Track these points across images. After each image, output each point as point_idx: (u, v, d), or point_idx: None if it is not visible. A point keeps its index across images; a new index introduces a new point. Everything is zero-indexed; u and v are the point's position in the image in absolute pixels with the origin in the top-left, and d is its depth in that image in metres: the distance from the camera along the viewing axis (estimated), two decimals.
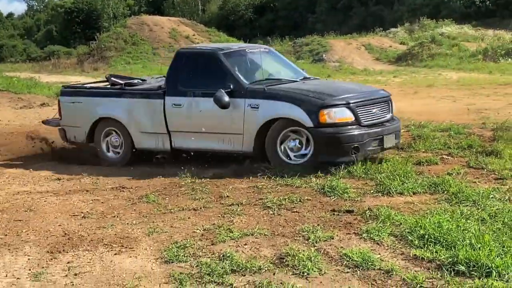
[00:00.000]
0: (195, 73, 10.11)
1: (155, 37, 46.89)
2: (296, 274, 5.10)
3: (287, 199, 7.49)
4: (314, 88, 9.69)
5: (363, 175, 8.57)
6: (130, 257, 5.54)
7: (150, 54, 44.50)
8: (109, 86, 11.81)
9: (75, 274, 5.14)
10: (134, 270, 5.18)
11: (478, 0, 53.44)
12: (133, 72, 34.93)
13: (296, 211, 7.06)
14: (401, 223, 6.29)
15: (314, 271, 5.12)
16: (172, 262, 5.36)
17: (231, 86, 9.42)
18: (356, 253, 5.44)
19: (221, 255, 5.49)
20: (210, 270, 5.11)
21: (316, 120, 8.92)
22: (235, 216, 6.87)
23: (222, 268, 5.16)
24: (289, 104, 9.14)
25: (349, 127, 9.00)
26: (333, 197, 7.62)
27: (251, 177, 8.75)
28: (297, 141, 9.21)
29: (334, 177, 8.37)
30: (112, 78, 11.95)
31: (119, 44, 45.13)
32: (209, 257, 5.47)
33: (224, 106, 9.24)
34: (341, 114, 9.03)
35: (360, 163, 8.89)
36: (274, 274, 5.08)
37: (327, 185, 7.98)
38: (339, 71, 35.61)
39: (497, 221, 6.22)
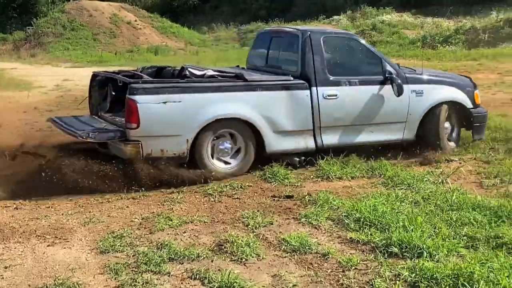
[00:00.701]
0: (342, 60, 9.15)
1: (95, 22, 45.96)
2: (234, 260, 5.11)
3: (228, 186, 7.49)
4: (445, 74, 10.70)
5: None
6: (64, 248, 5.42)
7: (90, 40, 43.62)
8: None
9: (5, 267, 4.98)
10: (68, 261, 5.08)
11: None
12: (72, 58, 34.37)
13: (237, 198, 7.08)
14: (338, 207, 6.37)
15: (252, 257, 5.14)
16: (108, 253, 5.27)
17: (389, 73, 8.92)
18: (294, 238, 5.49)
19: (159, 244, 5.44)
20: (147, 259, 5.06)
21: (473, 101, 9.61)
22: (175, 204, 6.81)
23: (159, 256, 5.12)
24: (453, 88, 9.50)
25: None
26: (274, 183, 7.66)
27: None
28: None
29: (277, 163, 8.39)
30: (190, 69, 8.70)
31: (57, 30, 44.09)
32: (147, 246, 5.42)
33: (401, 94, 8.82)
34: (479, 97, 9.85)
35: None
36: (212, 261, 5.08)
37: (269, 171, 8.01)
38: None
39: (430, 204, 6.39)
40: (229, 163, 8.27)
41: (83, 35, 43.73)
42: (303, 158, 8.53)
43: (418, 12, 49.63)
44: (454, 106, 9.42)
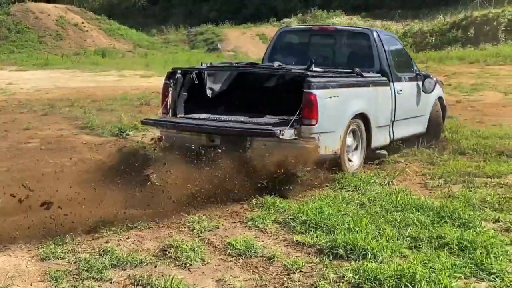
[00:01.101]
0: (396, 57, 9.45)
1: (41, 25, 45.24)
2: (178, 265, 5.03)
3: None
4: None
5: None
6: (4, 256, 5.27)
7: (36, 42, 42.93)
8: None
9: None
10: (7, 269, 4.92)
11: None
12: (17, 61, 33.72)
13: None
14: (285, 210, 6.35)
15: (197, 262, 5.07)
16: (48, 260, 5.11)
17: (417, 71, 9.96)
18: (240, 242, 5.43)
19: (102, 250, 5.32)
20: (88, 266, 4.93)
21: None
22: (120, 208, 6.69)
23: (101, 263, 4.99)
24: (438, 85, 10.46)
25: None
26: None
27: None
28: None
29: None
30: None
31: (2, 33, 43.27)
32: (89, 253, 5.29)
33: (432, 90, 9.85)
34: None
35: None
36: (155, 266, 4.98)
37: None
38: (234, 60, 35.75)
39: (375, 205, 6.43)
40: (351, 161, 8.16)
41: (29, 37, 43.01)
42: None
43: (367, 16, 50.37)
44: (440, 101, 10.52)
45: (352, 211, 6.13)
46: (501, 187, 7.28)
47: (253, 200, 6.80)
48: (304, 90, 7.29)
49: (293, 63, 9.12)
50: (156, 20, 62.74)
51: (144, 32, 50.17)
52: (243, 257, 5.18)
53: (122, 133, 11.38)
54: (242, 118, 7.96)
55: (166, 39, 47.58)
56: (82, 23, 46.90)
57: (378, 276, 4.48)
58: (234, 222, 6.19)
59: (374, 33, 9.13)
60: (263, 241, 5.58)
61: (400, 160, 8.87)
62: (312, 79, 7.36)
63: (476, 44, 31.66)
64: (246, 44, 42.16)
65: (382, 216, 5.98)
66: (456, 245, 5.14)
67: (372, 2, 54.75)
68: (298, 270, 4.83)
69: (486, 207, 6.33)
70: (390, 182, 7.50)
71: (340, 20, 46.26)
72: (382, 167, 8.46)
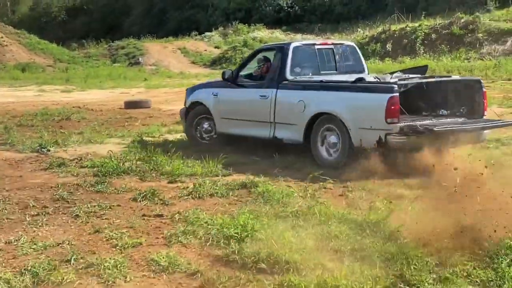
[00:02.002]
0: None
1: None
2: (101, 283, 4.97)
3: (97, 206, 7.32)
4: None
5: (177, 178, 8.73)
6: None
7: None
8: None
9: None
10: None
11: (286, 6, 55.65)
12: None
13: (106, 218, 6.91)
14: (208, 225, 6.35)
15: (120, 279, 5.03)
16: None
17: None
18: (163, 258, 5.42)
19: (23, 269, 5.21)
20: (9, 285, 4.83)
21: None
22: (40, 227, 6.56)
23: (22, 281, 4.91)
24: None
25: None
26: (144, 202, 7.55)
27: (59, 186, 8.44)
28: None
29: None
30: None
31: None
32: (10, 272, 5.18)
33: None
34: None
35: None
36: (77, 284, 4.91)
37: (139, 191, 7.92)
38: (156, 75, 35.59)
39: (298, 218, 6.47)
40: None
41: None
42: None
43: (288, 29, 51.01)
44: None
45: (276, 225, 6.19)
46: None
47: (176, 216, 6.80)
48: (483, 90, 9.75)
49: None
50: (77, 34, 61.79)
51: (64, 47, 49.29)
52: (166, 273, 5.17)
53: (43, 149, 11.14)
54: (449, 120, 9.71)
55: (87, 53, 46.89)
56: (1, 37, 45.66)
57: None
58: (157, 238, 6.16)
59: None
60: (186, 256, 5.57)
61: (321, 174, 8.91)
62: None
63: (394, 57, 32.53)
64: (167, 58, 42.04)
65: (306, 229, 6.05)
66: (377, 257, 5.25)
67: (292, 16, 55.52)
68: (222, 285, 4.85)
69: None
70: (312, 195, 7.59)
71: (262, 34, 46.68)
72: (304, 179, 8.55)
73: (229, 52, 40.30)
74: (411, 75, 10.55)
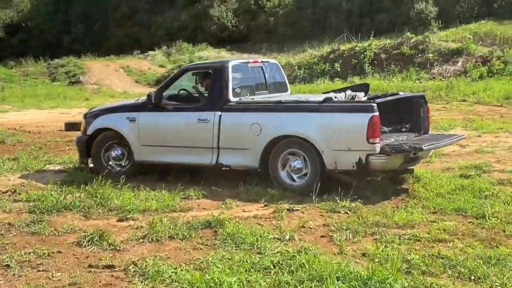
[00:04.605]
0: None
1: None
2: None
3: (32, 254, 6.05)
4: None
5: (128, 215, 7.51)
6: None
7: None
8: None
9: None
10: None
11: (231, 25, 54.88)
12: None
13: (44, 270, 5.68)
14: (174, 281, 5.14)
15: None
16: None
17: None
18: None
19: None
20: None
21: None
22: None
23: None
24: None
25: None
26: (91, 247, 6.30)
27: None
28: None
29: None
30: None
31: None
32: None
33: None
34: None
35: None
36: None
37: (84, 232, 6.67)
38: (98, 94, 34.06)
39: (283, 271, 5.30)
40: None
41: None
42: None
43: (233, 49, 50.18)
44: None
45: (258, 281, 5.01)
46: (418, 240, 6.40)
47: (131, 267, 5.57)
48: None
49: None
50: (14, 52, 59.54)
51: (1, 65, 47.08)
52: None
53: None
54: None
55: (25, 71, 44.69)
56: None
57: None
58: None
59: None
60: None
61: (296, 207, 7.80)
62: None
63: (344, 77, 31.83)
64: (109, 76, 40.45)
65: (295, 287, 4.89)
66: None
67: (236, 36, 54.78)
68: None
69: (413, 270, 5.35)
70: (292, 238, 6.43)
71: (208, 53, 45.57)
72: (278, 216, 7.41)
73: (174, 71, 38.96)
74: (357, 93, 9.97)
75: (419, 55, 32.34)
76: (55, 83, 39.21)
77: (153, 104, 9.84)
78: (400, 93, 10.28)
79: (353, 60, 33.62)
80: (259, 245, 6.10)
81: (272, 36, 52.77)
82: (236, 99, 9.52)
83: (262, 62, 10.65)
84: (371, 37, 35.45)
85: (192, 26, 57.01)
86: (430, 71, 30.91)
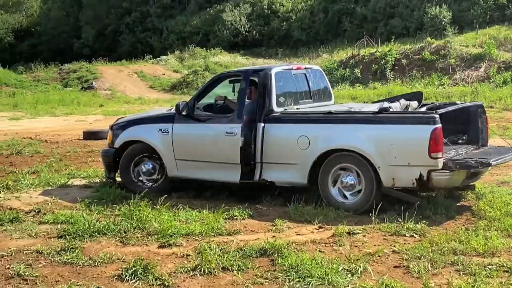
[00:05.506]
0: None
1: None
2: None
3: None
4: None
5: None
6: None
7: None
8: None
9: None
10: None
11: (244, 31, 54.17)
12: None
13: None
14: None
15: None
16: None
17: None
18: None
19: None
20: None
21: None
22: None
23: None
24: None
25: None
26: (135, 281, 5.57)
27: (13, 254, 6.36)
28: None
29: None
30: None
31: None
32: None
33: None
34: None
35: None
36: None
37: (124, 261, 5.95)
38: (112, 100, 33.32)
39: None
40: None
41: None
42: None
43: (246, 54, 49.48)
44: None
45: None
46: (506, 271, 5.60)
47: None
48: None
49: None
50: (24, 57, 59.07)
51: (11, 70, 46.40)
52: None
53: None
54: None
55: (36, 77, 43.97)
56: None
57: None
58: None
59: None
60: None
61: (357, 230, 7.00)
62: None
63: (365, 83, 31.05)
64: (123, 82, 39.68)
65: None
66: None
67: (250, 40, 54.09)
68: None
69: None
70: (363, 268, 5.64)
71: (223, 59, 44.76)
72: (338, 241, 6.62)
73: (190, 77, 38.20)
74: (411, 102, 9.19)
75: (441, 60, 31.61)
76: (67, 88, 38.52)
77: (183, 115, 9.07)
78: (457, 102, 9.48)
79: (373, 65, 32.87)
80: (330, 280, 5.32)
81: (285, 41, 52.08)
82: (281, 109, 8.75)
83: (305, 68, 9.79)
84: (392, 42, 34.65)
85: (204, 30, 56.33)
86: (452, 76, 30.18)
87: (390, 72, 31.74)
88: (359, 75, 32.77)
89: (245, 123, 8.61)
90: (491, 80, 27.97)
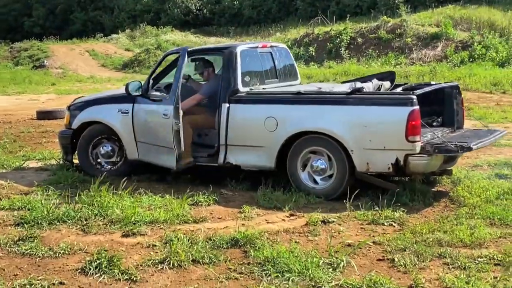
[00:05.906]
0: None
1: None
2: None
3: (28, 286, 4.87)
4: None
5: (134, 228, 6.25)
6: None
7: None
8: None
9: None
10: None
11: (195, 9, 53.32)
12: None
13: None
14: None
15: None
16: None
17: None
18: None
19: None
20: None
21: None
22: None
23: None
24: None
25: None
26: (100, 275, 5.14)
27: None
28: None
29: None
30: None
31: None
32: None
33: None
34: None
35: None
36: None
37: (87, 253, 5.61)
38: (64, 78, 32.40)
39: None
40: None
41: None
42: None
43: (197, 32, 48.79)
44: None
45: None
46: (497, 264, 5.30)
47: None
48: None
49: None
50: None
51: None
52: None
53: None
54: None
55: None
56: None
57: None
58: None
59: None
60: None
61: (331, 219, 6.63)
62: None
63: (319, 62, 30.67)
64: (75, 60, 38.60)
65: None
66: None
67: (200, 19, 53.25)
68: None
69: None
70: (346, 262, 5.28)
71: (175, 37, 43.93)
72: (313, 231, 6.26)
73: (142, 55, 37.41)
74: (384, 83, 8.85)
75: (397, 39, 31.32)
76: (19, 67, 37.37)
77: (138, 96, 8.63)
78: (432, 82, 9.17)
79: (328, 44, 32.48)
80: (311, 275, 4.94)
81: (236, 20, 51.38)
82: (246, 89, 8.32)
83: (271, 47, 9.36)
84: (347, 21, 34.37)
85: (155, 9, 55.32)
86: (409, 56, 29.98)
87: (345, 51, 31.41)
88: (313, 54, 32.31)
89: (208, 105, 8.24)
90: (448, 60, 27.87)
